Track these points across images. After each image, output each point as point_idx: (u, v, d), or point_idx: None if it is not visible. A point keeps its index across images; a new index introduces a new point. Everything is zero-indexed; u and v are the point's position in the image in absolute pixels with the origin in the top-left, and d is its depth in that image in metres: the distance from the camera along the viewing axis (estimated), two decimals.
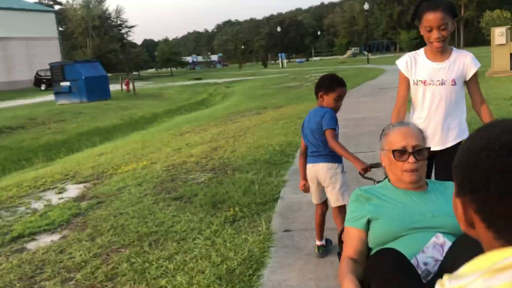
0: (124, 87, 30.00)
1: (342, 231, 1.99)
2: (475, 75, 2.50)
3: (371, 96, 12.80)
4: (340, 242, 2.04)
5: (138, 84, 35.39)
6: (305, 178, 2.98)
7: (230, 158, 6.28)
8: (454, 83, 2.45)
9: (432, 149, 2.15)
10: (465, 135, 2.53)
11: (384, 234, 1.76)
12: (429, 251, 1.64)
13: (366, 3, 45.49)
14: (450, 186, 1.89)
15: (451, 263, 1.48)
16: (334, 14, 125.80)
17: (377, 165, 2.44)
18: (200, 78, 44.40)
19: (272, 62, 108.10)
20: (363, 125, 7.93)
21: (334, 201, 2.80)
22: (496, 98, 9.17)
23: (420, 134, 1.90)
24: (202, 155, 6.66)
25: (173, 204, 4.43)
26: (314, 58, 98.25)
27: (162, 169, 6.03)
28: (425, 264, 1.61)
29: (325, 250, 3.03)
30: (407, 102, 2.64)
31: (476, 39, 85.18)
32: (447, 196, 1.83)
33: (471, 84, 2.52)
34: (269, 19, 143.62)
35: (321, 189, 2.89)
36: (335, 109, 2.78)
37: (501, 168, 0.69)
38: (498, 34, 14.73)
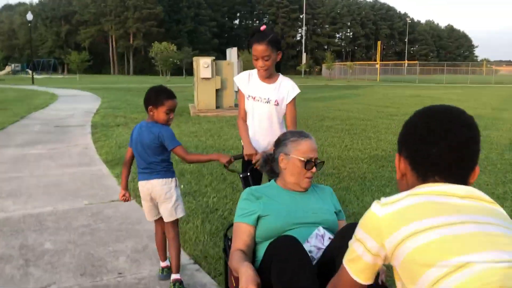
0: None
1: (229, 227, 2.24)
2: (293, 99, 2.87)
3: (47, 144, 7.93)
4: (226, 237, 2.28)
5: None
6: (126, 187, 2.84)
7: None
8: (276, 103, 2.83)
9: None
10: None
11: (273, 228, 1.98)
12: (312, 241, 1.90)
13: (29, 12, 38.14)
14: (325, 189, 2.25)
15: (331, 251, 1.77)
16: None
17: (240, 157, 2.77)
18: None
19: None
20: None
21: (167, 216, 2.74)
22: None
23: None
24: None
25: None
26: None
27: None
28: (310, 252, 1.85)
29: (169, 272, 2.83)
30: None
31: (144, 67, 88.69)
32: (324, 197, 2.18)
33: (288, 106, 2.88)
34: None
35: (155, 205, 2.78)
36: (168, 122, 2.69)
37: (415, 125, 1.21)
38: (203, 66, 12.41)
